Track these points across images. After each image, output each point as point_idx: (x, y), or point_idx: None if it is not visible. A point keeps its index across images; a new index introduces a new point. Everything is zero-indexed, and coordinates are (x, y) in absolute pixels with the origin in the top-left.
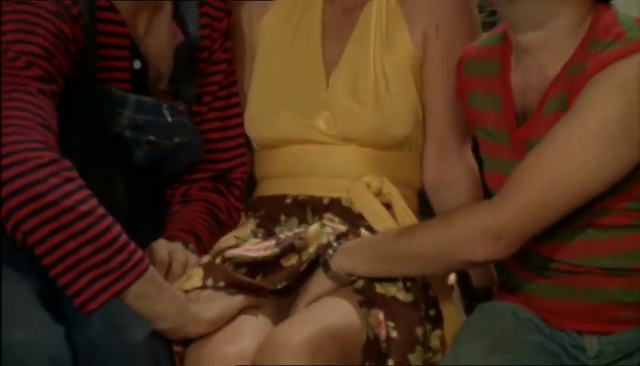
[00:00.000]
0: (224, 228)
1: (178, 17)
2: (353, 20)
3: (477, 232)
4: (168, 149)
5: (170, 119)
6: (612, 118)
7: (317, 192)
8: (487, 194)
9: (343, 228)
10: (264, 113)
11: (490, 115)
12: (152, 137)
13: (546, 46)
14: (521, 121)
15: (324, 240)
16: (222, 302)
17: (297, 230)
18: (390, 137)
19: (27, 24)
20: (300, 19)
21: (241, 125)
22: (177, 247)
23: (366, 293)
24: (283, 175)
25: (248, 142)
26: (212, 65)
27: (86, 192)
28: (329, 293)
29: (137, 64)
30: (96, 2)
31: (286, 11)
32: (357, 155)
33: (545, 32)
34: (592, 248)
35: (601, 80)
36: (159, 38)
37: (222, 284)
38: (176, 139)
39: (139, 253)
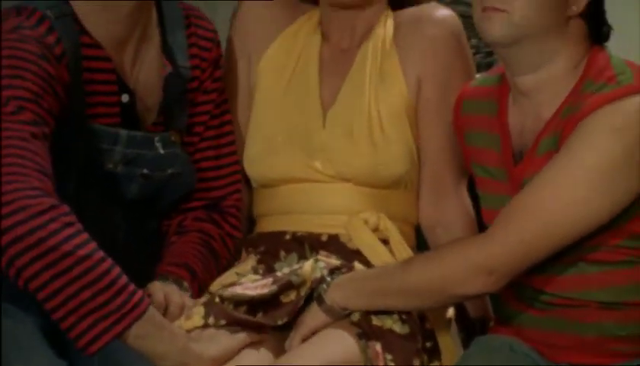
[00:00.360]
0: (219, 257)
1: (166, 48)
2: (349, 60)
3: (468, 267)
4: (161, 181)
5: (162, 151)
6: (602, 160)
7: (315, 229)
8: (483, 231)
9: (337, 262)
10: (263, 154)
11: (488, 153)
12: (145, 171)
13: (543, 89)
14: (518, 160)
15: (317, 274)
16: (225, 340)
17: (294, 267)
18: (385, 177)
19: (13, 68)
20: (298, 58)
21: (234, 153)
22: (172, 289)
23: (363, 325)
24: (282, 213)
25: (246, 179)
26: (203, 94)
27: (84, 236)
28: (324, 326)
29: (125, 98)
30: (79, 39)
31: (284, 50)
32: (354, 193)
33: (542, 75)
34: (586, 281)
35: (592, 122)
36: (147, 70)
37: (223, 322)
38: (169, 171)
39: (139, 294)
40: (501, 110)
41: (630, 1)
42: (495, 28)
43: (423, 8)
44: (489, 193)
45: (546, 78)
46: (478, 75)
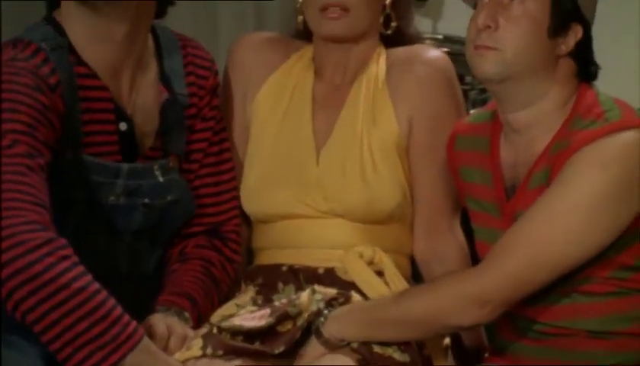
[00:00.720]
0: (219, 283)
1: (163, 76)
2: (342, 97)
3: (462, 299)
4: (162, 208)
5: (161, 179)
6: (591, 193)
7: (312, 262)
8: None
9: (333, 292)
10: (258, 190)
11: (481, 188)
12: (146, 200)
13: (533, 125)
14: (510, 194)
15: (314, 307)
16: None
17: (291, 297)
18: (377, 213)
19: (8, 102)
20: (292, 94)
21: (233, 179)
22: (174, 321)
23: (363, 352)
24: (279, 247)
25: (244, 212)
26: (201, 121)
27: (80, 269)
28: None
29: (123, 126)
30: (75, 70)
31: (278, 87)
32: (348, 228)
33: (533, 111)
34: (577, 311)
35: (581, 157)
36: (144, 97)
37: (220, 352)
38: (169, 198)
39: (133, 324)
40: (493, 146)
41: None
42: (487, 66)
43: (415, 49)
44: (483, 226)
45: (537, 115)
46: (472, 111)
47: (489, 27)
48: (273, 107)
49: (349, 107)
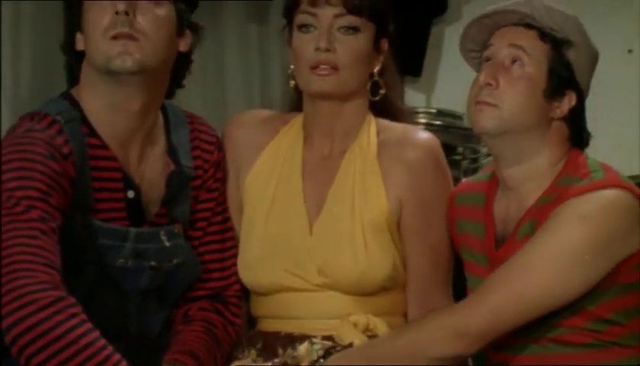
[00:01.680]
0: (221, 343)
1: (170, 149)
2: (332, 168)
3: (442, 330)
4: (168, 271)
5: (167, 243)
6: (571, 243)
7: (309, 332)
8: None
9: (330, 343)
10: (254, 265)
11: (474, 239)
12: (153, 263)
13: (526, 181)
14: (500, 245)
15: (314, 356)
16: None
17: (289, 351)
18: (369, 287)
19: (24, 170)
20: (282, 168)
21: (235, 247)
22: None
23: None
24: (277, 317)
25: None
26: (206, 192)
27: (88, 325)
28: None
29: (131, 194)
30: (87, 140)
31: (269, 162)
32: (342, 300)
33: (525, 167)
34: (551, 361)
35: (565, 208)
36: (152, 168)
37: None
38: (175, 261)
39: None
40: (488, 200)
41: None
42: (485, 120)
43: (405, 130)
44: (474, 276)
45: (529, 172)
46: (464, 179)
47: (490, 84)
48: (264, 185)
49: (340, 181)
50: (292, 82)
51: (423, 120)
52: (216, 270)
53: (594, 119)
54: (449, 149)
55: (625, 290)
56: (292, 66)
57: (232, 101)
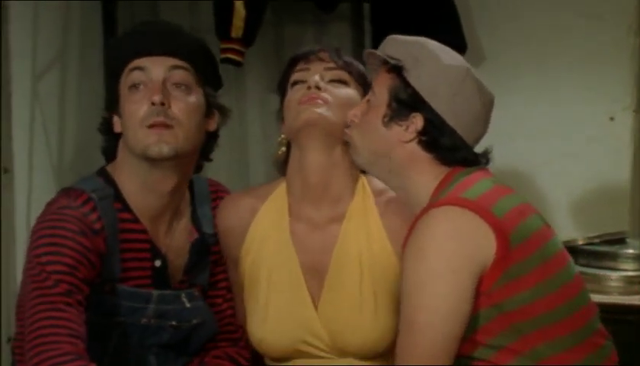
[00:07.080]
0: None
1: (195, 219)
2: (328, 238)
3: None
4: (188, 329)
5: (188, 305)
6: (421, 278)
7: None
8: None
9: None
10: (265, 338)
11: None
12: (174, 322)
13: (412, 206)
14: None
15: None
16: None
17: None
18: (385, 350)
19: (55, 246)
20: (270, 239)
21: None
22: None
23: None
24: None
25: None
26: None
27: None
28: None
29: (158, 263)
30: (119, 215)
31: (257, 242)
32: (355, 363)
33: (403, 192)
34: None
35: (407, 248)
36: (178, 238)
37: None
38: (194, 321)
39: None
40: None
41: None
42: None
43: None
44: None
45: (410, 197)
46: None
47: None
48: (256, 265)
49: (341, 251)
50: (283, 149)
51: None
52: (230, 324)
53: None
54: None
55: (493, 314)
56: (282, 135)
57: (254, 164)
